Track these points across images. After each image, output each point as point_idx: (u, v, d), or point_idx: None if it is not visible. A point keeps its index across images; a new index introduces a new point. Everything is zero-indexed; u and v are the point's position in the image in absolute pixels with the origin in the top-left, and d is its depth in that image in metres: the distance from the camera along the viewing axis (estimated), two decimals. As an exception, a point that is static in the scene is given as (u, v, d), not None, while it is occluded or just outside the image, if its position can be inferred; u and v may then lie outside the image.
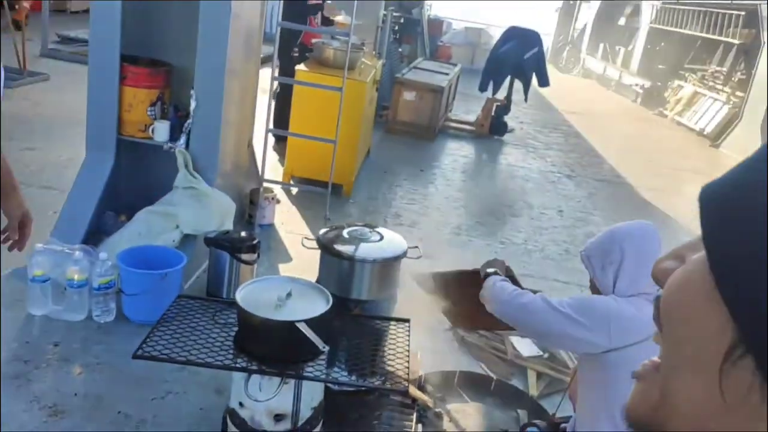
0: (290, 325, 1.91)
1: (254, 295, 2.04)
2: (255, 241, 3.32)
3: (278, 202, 4.63)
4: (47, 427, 2.36)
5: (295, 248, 4.12)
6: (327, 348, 1.87)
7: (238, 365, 1.93)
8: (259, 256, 3.36)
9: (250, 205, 4.38)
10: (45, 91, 6.90)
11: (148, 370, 2.71)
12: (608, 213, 5.94)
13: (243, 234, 3.38)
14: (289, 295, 2.04)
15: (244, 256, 3.26)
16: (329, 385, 2.18)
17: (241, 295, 2.01)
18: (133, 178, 3.80)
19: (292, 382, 2.00)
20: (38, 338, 2.85)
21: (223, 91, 3.51)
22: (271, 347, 1.96)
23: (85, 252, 3.06)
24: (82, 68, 3.87)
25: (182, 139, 3.57)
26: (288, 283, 2.11)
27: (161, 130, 3.58)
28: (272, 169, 5.32)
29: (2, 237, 1.87)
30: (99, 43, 3.45)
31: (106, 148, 3.58)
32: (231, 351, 2.00)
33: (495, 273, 2.09)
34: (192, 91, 3.50)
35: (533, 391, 2.96)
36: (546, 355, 3.08)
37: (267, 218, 4.37)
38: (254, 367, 1.93)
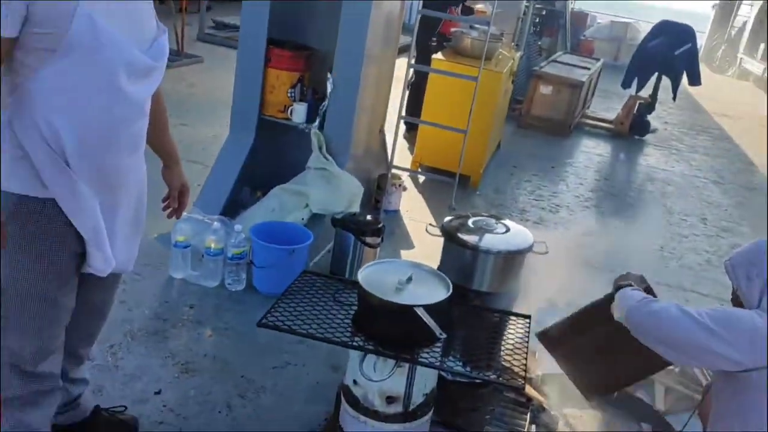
0: (408, 309, 1.92)
1: (376, 276, 2.06)
2: (380, 225, 3.37)
3: (405, 189, 4.67)
4: (179, 383, 2.53)
5: (418, 235, 4.14)
6: (443, 336, 1.85)
7: (355, 343, 1.97)
8: (382, 240, 3.41)
9: (377, 190, 4.45)
10: (199, 73, 7.38)
11: (270, 339, 2.84)
12: (759, 225, 5.46)
13: (369, 217, 3.44)
14: (409, 279, 2.05)
15: (369, 239, 3.32)
16: (443, 373, 2.17)
17: (362, 275, 2.04)
18: (269, 157, 3.97)
19: (407, 366, 2.00)
20: (176, 300, 3.06)
21: (360, 77, 3.57)
22: (389, 329, 1.97)
23: (222, 223, 3.24)
24: (233, 53, 4.08)
25: (317, 121, 3.69)
26: (409, 267, 2.12)
27: (299, 112, 3.71)
28: (401, 156, 5.36)
29: (163, 204, 2.04)
30: (249, 26, 3.63)
31: (248, 127, 3.77)
32: (349, 329, 2.04)
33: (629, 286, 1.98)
34: (330, 75, 3.59)
35: (660, 405, 2.79)
36: (677, 369, 2.89)
37: (393, 204, 4.42)
38: (370, 347, 1.95)
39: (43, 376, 1.79)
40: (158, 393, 2.46)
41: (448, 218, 2.51)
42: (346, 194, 3.53)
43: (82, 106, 1.55)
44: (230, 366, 2.68)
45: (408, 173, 5.03)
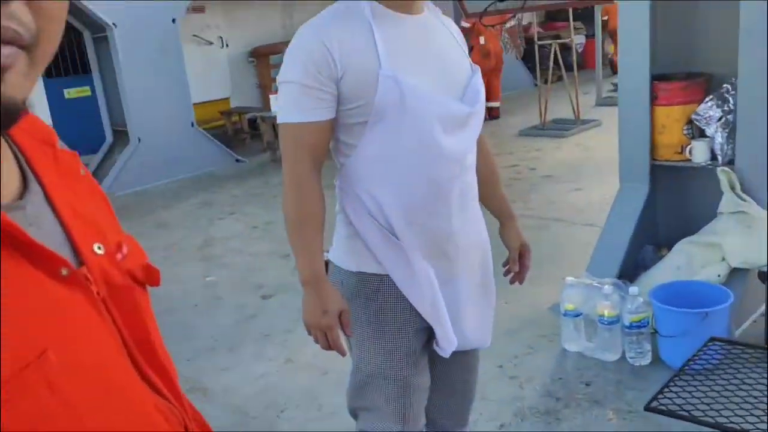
0: None
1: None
2: (832, 277, 2.51)
3: None
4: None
5: None
6: None
7: (792, 441, 1.37)
8: (839, 296, 2.53)
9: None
10: (596, 136, 7.14)
11: (685, 428, 2.29)
12: None
13: (813, 267, 2.61)
14: None
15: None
16: None
17: (794, 342, 1.45)
18: (672, 207, 3.43)
19: None
20: (570, 375, 2.75)
21: (770, 95, 2.85)
22: None
23: (615, 286, 2.85)
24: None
25: (725, 157, 3.04)
26: None
27: (700, 150, 3.13)
28: None
29: (504, 269, 1.83)
30: (627, 62, 3.27)
31: (640, 177, 3.33)
32: (783, 419, 1.45)
33: None
34: (729, 97, 2.95)
35: None
36: None
37: None
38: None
39: None
40: (549, 483, 2.15)
41: None
42: (774, 240, 2.76)
43: (399, 172, 1.45)
44: (633, 457, 2.22)
45: None
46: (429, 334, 1.60)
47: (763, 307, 2.77)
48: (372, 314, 1.55)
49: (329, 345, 1.50)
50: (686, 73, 3.24)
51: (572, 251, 3.86)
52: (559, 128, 7.50)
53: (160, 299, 3.98)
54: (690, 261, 2.99)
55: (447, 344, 1.55)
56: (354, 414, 1.72)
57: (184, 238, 5.20)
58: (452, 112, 1.47)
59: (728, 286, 2.79)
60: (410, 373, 1.58)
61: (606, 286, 2.79)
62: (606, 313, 2.76)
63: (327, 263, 1.65)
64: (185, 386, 2.87)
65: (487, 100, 9.20)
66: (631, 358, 2.75)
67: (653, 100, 3.20)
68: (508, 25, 8.56)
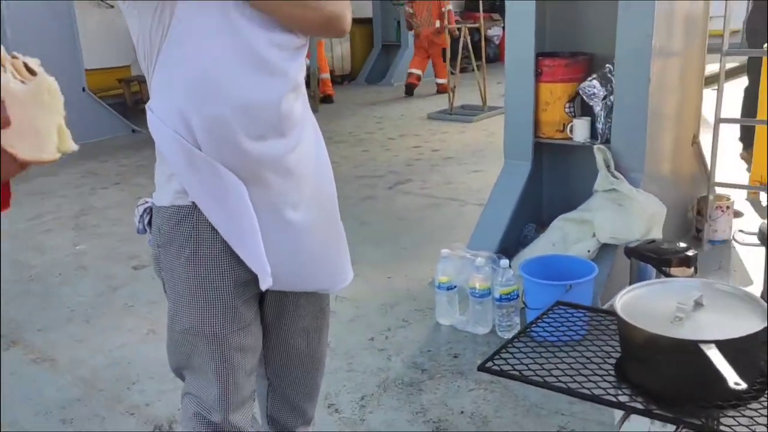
0: (693, 348, 1.24)
1: (644, 301, 1.42)
2: (690, 253, 2.57)
3: (739, 214, 3.66)
4: (426, 443, 2.13)
5: (760, 271, 3.12)
6: (741, 386, 1.13)
7: (611, 398, 1.34)
8: (696, 272, 2.59)
9: (698, 216, 3.55)
10: (501, 122, 7.20)
11: (543, 397, 2.28)
12: None
13: (675, 244, 2.66)
14: (698, 304, 1.36)
15: (674, 271, 2.54)
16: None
17: (623, 301, 1.42)
18: (555, 186, 3.46)
19: (701, 437, 1.30)
20: (439, 348, 2.70)
21: (649, 77, 2.89)
22: (665, 378, 1.31)
23: (489, 259, 2.82)
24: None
25: (603, 136, 3.07)
26: (698, 287, 1.42)
27: (581, 128, 3.15)
28: (734, 173, 4.33)
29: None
30: (514, 39, 3.26)
31: (523, 154, 3.33)
32: (612, 377, 1.42)
33: None
34: (611, 77, 2.98)
35: None
36: None
37: (720, 232, 3.47)
38: (637, 405, 1.31)
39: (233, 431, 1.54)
40: (401, 454, 2.09)
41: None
42: (641, 218, 2.80)
43: (209, 85, 1.31)
44: (490, 426, 2.18)
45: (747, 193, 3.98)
46: (259, 290, 1.48)
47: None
48: (186, 262, 1.41)
49: None
50: (570, 53, 3.26)
51: (461, 229, 3.83)
52: (467, 114, 7.54)
53: (21, 267, 3.74)
54: (565, 237, 3.01)
55: (262, 273, 1.40)
56: (179, 374, 1.58)
57: (60, 206, 4.87)
58: (280, 36, 1.33)
59: (597, 261, 2.82)
60: (229, 331, 1.45)
61: (479, 259, 2.75)
62: (478, 285, 2.72)
63: (151, 210, 1.51)
64: (31, 356, 2.66)
65: (435, 76, 9.35)
66: (500, 331, 2.73)
67: (538, 76, 3.20)
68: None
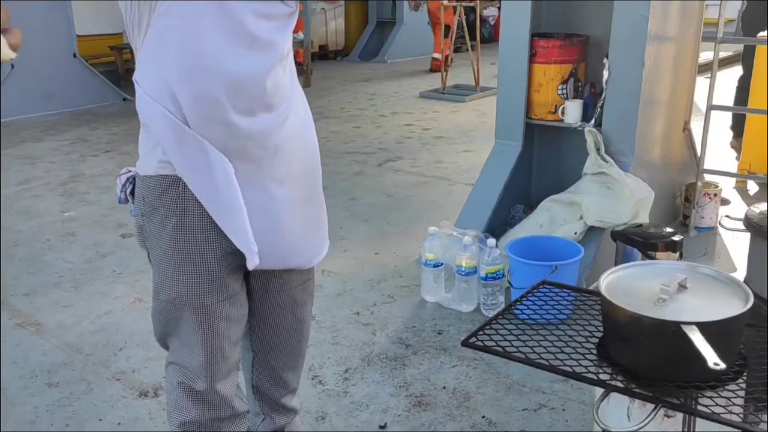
0: (675, 329, 1.26)
1: (628, 282, 1.45)
2: (675, 238, 2.59)
3: (726, 202, 3.70)
4: (408, 416, 2.16)
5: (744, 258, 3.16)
6: (720, 366, 1.16)
7: (592, 376, 1.36)
8: (681, 257, 2.62)
9: (685, 203, 3.58)
10: (494, 103, 7.19)
11: (525, 375, 2.32)
12: None
13: (661, 229, 2.69)
14: (681, 287, 1.38)
15: (660, 255, 2.57)
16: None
17: (607, 282, 1.45)
18: (545, 167, 3.47)
19: (679, 415, 1.33)
20: (424, 325, 2.72)
21: (644, 60, 2.89)
22: (646, 358, 1.33)
23: (476, 238, 2.83)
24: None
25: (594, 119, 3.08)
26: (683, 270, 1.44)
27: (572, 110, 3.15)
28: (724, 161, 4.36)
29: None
30: (509, 19, 3.24)
31: (514, 135, 3.34)
32: (593, 356, 1.45)
33: None
34: (605, 60, 2.98)
35: None
36: None
37: (707, 219, 3.50)
38: (617, 384, 1.33)
39: (218, 400, 1.55)
40: (383, 427, 2.11)
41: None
42: (629, 201, 2.82)
43: (196, 55, 1.30)
44: (471, 402, 2.21)
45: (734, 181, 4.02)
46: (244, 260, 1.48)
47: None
48: (171, 231, 1.40)
49: None
50: (566, 34, 3.25)
51: (449, 208, 3.85)
52: (459, 93, 7.52)
53: (6, 231, 3.71)
54: (552, 219, 3.03)
55: (249, 252, 1.41)
56: (164, 344, 1.59)
57: (49, 172, 4.83)
58: (268, 5, 1.32)
59: (584, 243, 2.84)
60: (215, 300, 1.45)
61: (466, 237, 2.77)
62: (464, 263, 2.74)
63: (134, 179, 1.50)
64: (16, 320, 2.65)
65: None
66: (485, 309, 2.76)
67: (532, 57, 3.19)
68: None
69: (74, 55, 6.90)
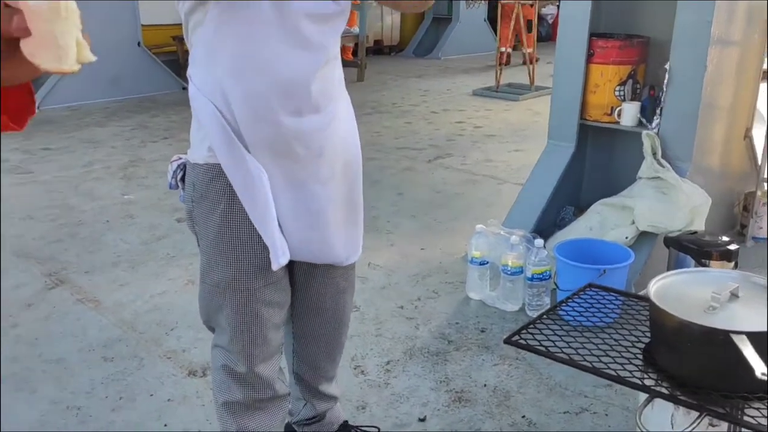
0: (724, 338, 1.24)
1: (679, 288, 1.43)
2: (731, 247, 2.53)
3: (788, 213, 3.58)
4: (447, 411, 2.17)
5: (802, 272, 3.07)
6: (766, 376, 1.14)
7: (636, 381, 1.36)
8: (736, 266, 2.55)
9: (743, 212, 3.48)
10: (548, 103, 7.11)
11: (569, 377, 2.30)
12: None
13: (717, 237, 2.63)
14: (733, 296, 1.36)
15: (714, 264, 2.51)
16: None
17: (657, 287, 1.43)
18: (597, 170, 3.43)
19: (724, 425, 1.31)
20: (467, 322, 2.73)
21: (706, 64, 2.82)
22: (693, 365, 1.32)
23: (524, 238, 2.82)
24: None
25: (654, 123, 3.02)
26: (735, 279, 1.42)
27: (629, 112, 3.10)
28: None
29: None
30: (568, 18, 3.21)
31: (567, 136, 3.30)
32: (638, 361, 1.44)
33: None
34: (667, 64, 2.92)
35: None
36: None
37: (765, 230, 3.40)
38: (662, 390, 1.32)
39: (259, 382, 1.61)
40: (422, 420, 2.13)
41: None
42: (684, 208, 2.77)
43: (253, 58, 1.36)
44: (511, 401, 2.22)
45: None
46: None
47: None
48: (218, 217, 1.45)
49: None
50: (626, 35, 3.20)
51: (497, 207, 3.84)
52: (513, 92, 7.46)
53: (70, 210, 3.88)
54: (603, 222, 2.99)
55: (273, 256, 1.45)
56: (210, 326, 1.64)
57: (110, 155, 5.01)
58: (320, 7, 1.37)
59: (634, 248, 2.80)
60: (258, 285, 1.50)
61: (513, 236, 2.76)
62: (510, 263, 2.74)
63: (184, 166, 1.55)
64: (77, 297, 2.77)
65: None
66: (530, 310, 2.75)
67: (589, 57, 3.15)
68: None
69: (138, 44, 7.12)
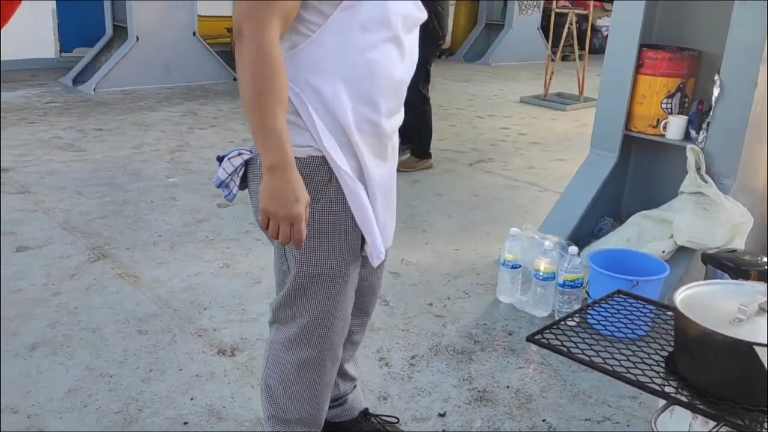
0: (747, 350, 1.23)
1: (706, 299, 1.42)
2: (770, 267, 2.48)
3: (835, 239, 3.47)
4: (468, 409, 2.18)
5: None
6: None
7: (656, 387, 1.35)
8: (774, 288, 2.50)
9: (789, 234, 3.39)
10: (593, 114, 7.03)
11: (593, 386, 2.29)
12: None
13: (758, 258, 2.57)
14: (761, 309, 1.35)
15: (752, 284, 2.46)
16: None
17: (684, 296, 1.42)
18: (639, 182, 3.38)
19: (741, 438, 1.30)
20: (495, 324, 2.73)
21: (756, 81, 2.76)
22: (714, 376, 1.31)
23: (558, 244, 2.81)
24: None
25: (700, 137, 2.97)
26: (764, 293, 1.40)
27: (675, 126, 3.06)
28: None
29: None
30: (619, 27, 3.18)
31: (611, 146, 3.27)
32: (660, 368, 1.43)
33: None
34: (717, 76, 2.87)
35: None
36: None
37: (810, 254, 3.30)
38: (681, 398, 1.31)
39: (335, 357, 1.67)
40: (442, 415, 2.15)
41: None
42: (725, 225, 2.72)
43: (359, 66, 1.45)
44: (533, 405, 2.21)
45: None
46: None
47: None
48: (321, 207, 1.47)
49: (291, 237, 1.36)
50: (677, 47, 3.15)
51: (535, 214, 3.82)
52: (561, 101, 7.39)
53: (117, 189, 4.01)
54: (641, 235, 2.96)
55: (376, 255, 1.53)
56: (289, 314, 1.59)
57: (159, 139, 5.16)
58: (411, 12, 1.46)
59: (671, 263, 2.76)
60: (352, 270, 1.58)
61: (547, 242, 2.75)
62: (542, 268, 2.73)
63: (246, 163, 1.56)
64: (117, 271, 2.87)
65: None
66: (559, 316, 2.73)
67: (638, 68, 3.12)
68: None
69: (194, 34, 7.30)
